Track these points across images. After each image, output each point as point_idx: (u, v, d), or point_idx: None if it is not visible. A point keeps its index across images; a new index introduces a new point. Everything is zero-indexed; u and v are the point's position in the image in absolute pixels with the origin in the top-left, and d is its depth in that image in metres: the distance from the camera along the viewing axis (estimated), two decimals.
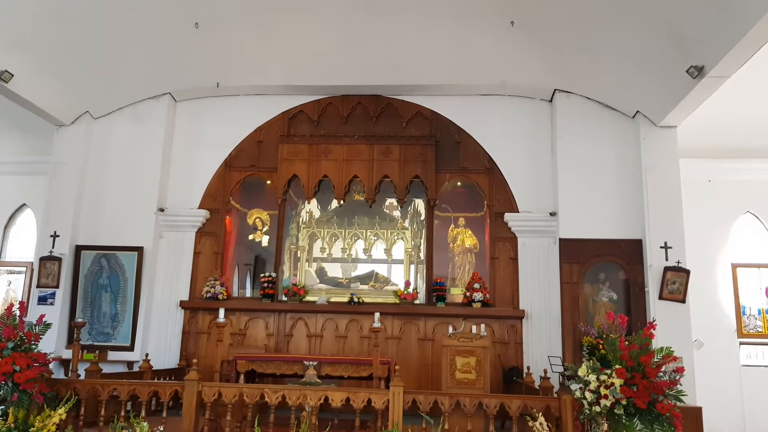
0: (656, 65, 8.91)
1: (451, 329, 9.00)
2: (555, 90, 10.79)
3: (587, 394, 6.18)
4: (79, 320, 8.83)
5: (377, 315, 8.61)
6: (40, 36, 9.25)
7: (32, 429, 6.45)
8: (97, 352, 10.16)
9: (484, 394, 7.60)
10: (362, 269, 11.89)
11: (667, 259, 9.65)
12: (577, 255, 10.10)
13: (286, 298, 10.94)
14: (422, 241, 11.34)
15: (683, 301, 9.51)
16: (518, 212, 10.82)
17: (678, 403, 6.12)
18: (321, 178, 11.24)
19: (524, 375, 9.24)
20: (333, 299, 10.99)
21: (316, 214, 11.92)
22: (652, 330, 6.49)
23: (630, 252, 9.99)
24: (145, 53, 10.32)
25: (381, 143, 11.27)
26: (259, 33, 10.11)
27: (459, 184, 11.42)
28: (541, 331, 10.32)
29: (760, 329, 11.32)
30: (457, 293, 10.94)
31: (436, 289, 10.75)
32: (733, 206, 11.66)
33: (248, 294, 11.85)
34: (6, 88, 9.32)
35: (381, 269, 11.82)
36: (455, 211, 11.41)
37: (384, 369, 8.28)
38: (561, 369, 8.46)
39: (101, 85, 10.77)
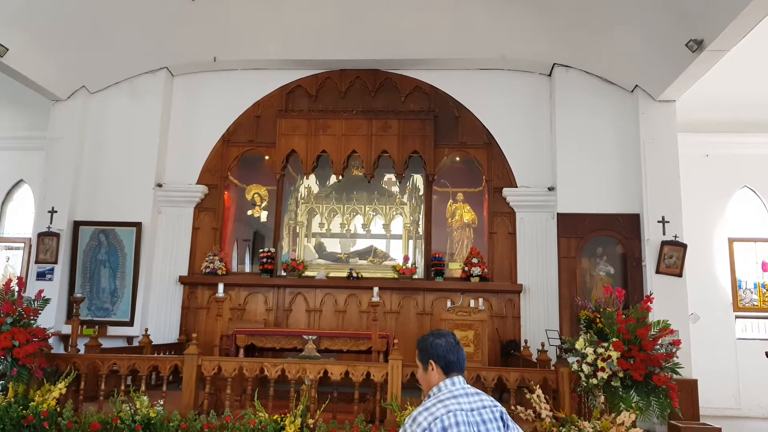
0: (656, 39, 8.86)
1: (449, 303, 9.04)
2: (554, 64, 10.73)
3: (584, 367, 6.22)
4: (78, 295, 8.84)
5: (376, 290, 8.64)
6: (36, 10, 9.16)
7: (32, 403, 6.48)
8: (96, 327, 10.22)
9: (482, 367, 7.66)
10: (361, 244, 11.91)
11: (664, 234, 9.68)
12: (575, 229, 10.14)
13: (285, 273, 10.98)
14: (421, 216, 11.36)
15: (680, 275, 9.56)
16: (517, 187, 10.83)
17: (674, 376, 6.16)
18: (319, 153, 11.22)
19: (522, 348, 9.33)
20: (332, 274, 11.03)
21: (315, 189, 11.90)
22: (649, 303, 6.51)
23: (627, 226, 10.02)
24: (141, 27, 10.22)
25: (379, 118, 11.24)
26: (256, 7, 10.02)
27: (458, 159, 11.41)
28: (538, 305, 10.39)
29: (755, 303, 11.38)
30: (455, 268, 10.97)
31: (435, 264, 10.80)
32: (730, 180, 11.65)
33: (247, 269, 11.89)
34: (1, 62, 9.25)
35: (380, 244, 11.83)
36: (454, 186, 11.40)
37: (383, 343, 8.33)
38: (558, 342, 8.50)
39: (97, 60, 10.69)
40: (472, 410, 2.88)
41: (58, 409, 6.52)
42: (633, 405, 6.01)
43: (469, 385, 3.03)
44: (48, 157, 10.98)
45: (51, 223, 10.64)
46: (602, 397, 6.26)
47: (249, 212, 11.70)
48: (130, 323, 10.58)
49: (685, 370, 6.81)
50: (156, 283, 10.96)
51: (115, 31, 10.16)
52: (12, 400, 6.58)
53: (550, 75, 10.99)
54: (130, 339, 10.42)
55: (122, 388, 6.91)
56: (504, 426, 2.97)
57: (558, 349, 8.19)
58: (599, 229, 10.10)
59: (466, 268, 10.60)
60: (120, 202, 10.90)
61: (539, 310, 10.36)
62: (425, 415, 2.80)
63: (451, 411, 2.83)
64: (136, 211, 10.89)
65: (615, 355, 6.06)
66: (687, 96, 9.76)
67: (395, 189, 11.79)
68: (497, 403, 3.01)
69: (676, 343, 6.27)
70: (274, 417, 6.17)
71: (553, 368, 7.01)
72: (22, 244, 12.35)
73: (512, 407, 6.43)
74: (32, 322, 6.93)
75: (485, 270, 10.54)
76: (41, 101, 10.99)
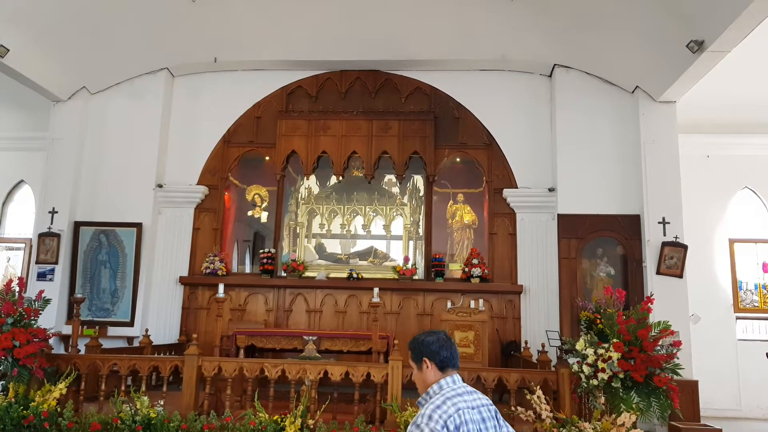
0: (656, 40, 8.86)
1: (449, 304, 9.04)
2: (554, 65, 10.73)
3: (585, 368, 6.22)
4: (79, 296, 8.84)
5: (376, 290, 8.63)
6: (37, 10, 9.16)
7: (33, 404, 6.48)
8: (96, 327, 10.22)
9: (482, 367, 7.65)
10: (361, 245, 11.92)
11: (664, 235, 9.68)
12: (576, 230, 10.13)
13: (285, 274, 10.97)
14: (421, 217, 11.35)
15: (680, 276, 9.55)
16: (517, 188, 10.83)
17: (674, 377, 6.16)
18: (320, 154, 11.22)
19: (522, 349, 9.33)
20: (332, 275, 11.02)
21: (315, 190, 11.90)
22: (649, 304, 6.50)
23: (628, 227, 10.01)
24: (142, 28, 10.22)
25: (380, 119, 11.24)
26: (257, 7, 10.03)
27: (458, 159, 11.41)
28: (539, 305, 10.39)
29: (756, 304, 11.38)
30: (455, 269, 10.97)
31: (435, 265, 10.80)
32: (731, 181, 11.65)
33: (247, 270, 11.90)
34: (2, 62, 9.24)
35: (380, 245, 11.84)
36: (454, 186, 11.41)
37: (383, 343, 8.32)
38: (559, 343, 8.50)
39: (98, 60, 10.69)
40: (473, 408, 2.92)
41: (59, 409, 6.52)
42: (633, 406, 6.01)
43: (466, 384, 3.07)
44: (48, 158, 10.98)
45: (51, 223, 10.64)
46: (603, 398, 6.26)
47: (249, 213, 11.71)
48: (131, 324, 10.57)
49: (685, 371, 6.80)
50: (156, 283, 10.96)
51: (116, 31, 10.16)
52: (12, 400, 6.58)
53: (550, 76, 10.99)
54: (130, 339, 10.42)
55: (122, 388, 6.90)
56: (498, 424, 3.03)
57: (558, 350, 8.18)
58: (600, 229, 10.10)
59: (467, 269, 10.60)
60: (120, 203, 10.89)
61: (540, 310, 10.35)
62: (440, 413, 2.82)
63: (461, 409, 2.87)
64: (136, 211, 10.88)
65: (615, 356, 6.06)
66: (687, 97, 9.76)
67: (395, 190, 11.80)
68: (491, 402, 3.07)
69: (677, 344, 6.28)
70: (275, 417, 6.17)
71: (553, 369, 7.00)
72: (23, 245, 12.34)
73: (512, 408, 6.43)
74: (33, 322, 6.93)
75: (485, 271, 10.54)
76: (42, 102, 10.99)
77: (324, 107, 11.44)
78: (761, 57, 9.05)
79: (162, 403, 6.53)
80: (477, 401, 2.98)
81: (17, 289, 7.11)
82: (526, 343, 9.43)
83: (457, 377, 3.06)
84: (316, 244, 11.91)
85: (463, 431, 2.81)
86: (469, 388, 3.04)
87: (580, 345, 6.40)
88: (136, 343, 10.00)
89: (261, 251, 11.19)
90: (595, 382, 6.15)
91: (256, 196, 11.65)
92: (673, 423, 8.03)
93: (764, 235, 11.61)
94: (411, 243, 11.29)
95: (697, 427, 8.17)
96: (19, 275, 11.76)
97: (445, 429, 2.77)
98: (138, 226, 10.80)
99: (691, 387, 8.68)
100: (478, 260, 10.57)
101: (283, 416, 6.17)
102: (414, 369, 3.15)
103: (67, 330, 9.83)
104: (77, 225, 10.81)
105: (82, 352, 7.94)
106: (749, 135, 11.43)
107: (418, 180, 11.64)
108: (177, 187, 11.21)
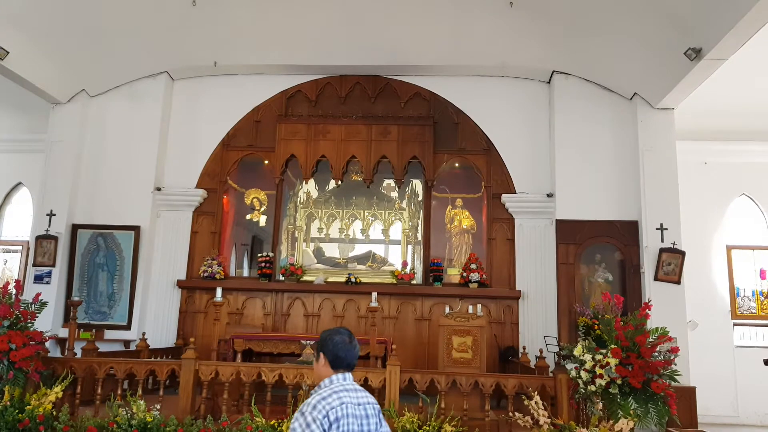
0: (654, 47, 8.89)
1: (447, 309, 9.03)
2: (553, 71, 10.75)
3: (583, 374, 6.22)
4: (76, 299, 8.82)
5: (374, 295, 8.64)
6: (36, 13, 9.16)
7: (28, 407, 6.47)
8: (93, 330, 10.17)
9: (480, 373, 7.65)
10: (360, 249, 11.91)
11: (662, 241, 9.69)
12: (574, 236, 10.13)
13: (283, 278, 10.96)
14: (420, 221, 11.35)
15: (678, 282, 9.56)
16: (515, 193, 10.83)
17: (672, 383, 6.17)
18: (319, 158, 11.21)
19: (520, 354, 9.32)
20: (330, 279, 11.01)
21: (314, 194, 11.90)
22: (647, 310, 6.52)
23: (626, 233, 10.02)
24: (142, 31, 10.22)
25: (379, 123, 11.23)
26: (257, 11, 10.02)
27: (457, 165, 11.40)
28: (537, 311, 10.37)
29: (753, 310, 11.39)
30: (454, 274, 10.97)
31: (433, 270, 10.77)
32: (728, 188, 11.68)
33: (245, 274, 11.87)
34: (1, 65, 9.23)
35: (378, 249, 11.84)
36: (453, 191, 11.41)
37: (381, 348, 8.32)
38: (557, 349, 8.50)
39: (97, 63, 10.69)
40: (359, 404, 3.18)
41: (55, 413, 6.52)
42: (631, 412, 6.01)
43: (355, 382, 3.29)
44: (47, 160, 10.96)
45: (49, 226, 10.60)
46: (600, 404, 6.26)
47: (248, 216, 11.69)
48: (128, 327, 10.53)
49: (683, 377, 6.82)
50: (154, 286, 10.92)
51: (116, 34, 10.15)
52: (8, 403, 6.57)
53: (549, 82, 11.01)
54: (127, 343, 10.39)
55: (119, 392, 6.90)
56: (379, 422, 3.26)
57: (556, 356, 8.19)
58: (598, 235, 10.10)
59: (465, 274, 10.59)
60: (119, 206, 10.86)
61: (537, 316, 10.34)
62: (324, 404, 3.07)
63: (344, 403, 3.11)
64: (134, 214, 10.85)
65: (613, 362, 6.06)
66: (685, 104, 9.78)
67: (394, 194, 11.80)
68: (376, 401, 3.31)
69: (675, 351, 6.29)
70: (271, 422, 6.17)
71: (551, 375, 7.01)
72: (20, 247, 12.34)
73: (510, 414, 6.43)
74: (29, 325, 6.93)
75: (484, 276, 10.53)
76: (41, 104, 10.98)
77: (323, 112, 11.45)
78: (759, 64, 9.09)
79: (158, 407, 6.53)
80: (363, 399, 3.23)
81: (14, 291, 7.10)
82: (524, 348, 9.42)
83: (348, 375, 3.29)
84: (314, 248, 11.90)
85: (343, 423, 3.05)
86: (357, 387, 3.28)
87: (577, 351, 6.40)
88: (132, 347, 9.98)
89: (259, 255, 11.17)
90: (592, 387, 6.15)
91: (254, 200, 11.64)
92: (670, 429, 8.01)
93: (762, 242, 11.64)
94: (409, 247, 11.30)
95: None
96: (16, 278, 11.78)
97: (326, 419, 3.02)
98: (136, 229, 10.77)
99: (689, 393, 8.68)
100: (477, 265, 10.56)
101: (280, 421, 6.17)
102: (314, 360, 3.35)
103: (63, 333, 9.78)
104: (75, 228, 10.78)
105: (79, 355, 7.93)
106: (747, 142, 11.47)
107: (417, 185, 11.64)
108: (176, 190, 11.19)
